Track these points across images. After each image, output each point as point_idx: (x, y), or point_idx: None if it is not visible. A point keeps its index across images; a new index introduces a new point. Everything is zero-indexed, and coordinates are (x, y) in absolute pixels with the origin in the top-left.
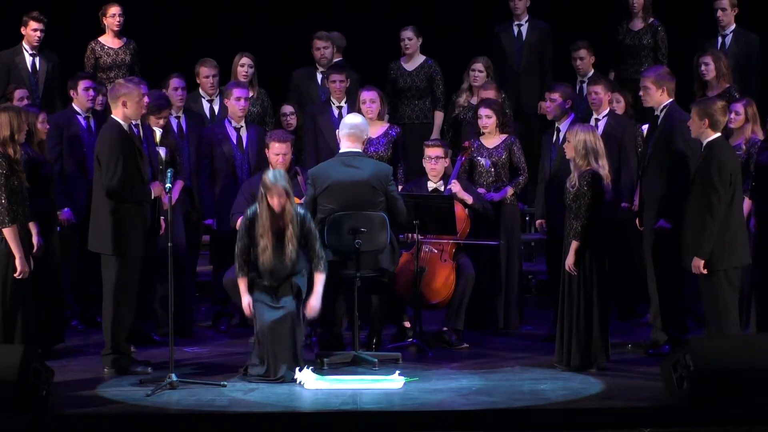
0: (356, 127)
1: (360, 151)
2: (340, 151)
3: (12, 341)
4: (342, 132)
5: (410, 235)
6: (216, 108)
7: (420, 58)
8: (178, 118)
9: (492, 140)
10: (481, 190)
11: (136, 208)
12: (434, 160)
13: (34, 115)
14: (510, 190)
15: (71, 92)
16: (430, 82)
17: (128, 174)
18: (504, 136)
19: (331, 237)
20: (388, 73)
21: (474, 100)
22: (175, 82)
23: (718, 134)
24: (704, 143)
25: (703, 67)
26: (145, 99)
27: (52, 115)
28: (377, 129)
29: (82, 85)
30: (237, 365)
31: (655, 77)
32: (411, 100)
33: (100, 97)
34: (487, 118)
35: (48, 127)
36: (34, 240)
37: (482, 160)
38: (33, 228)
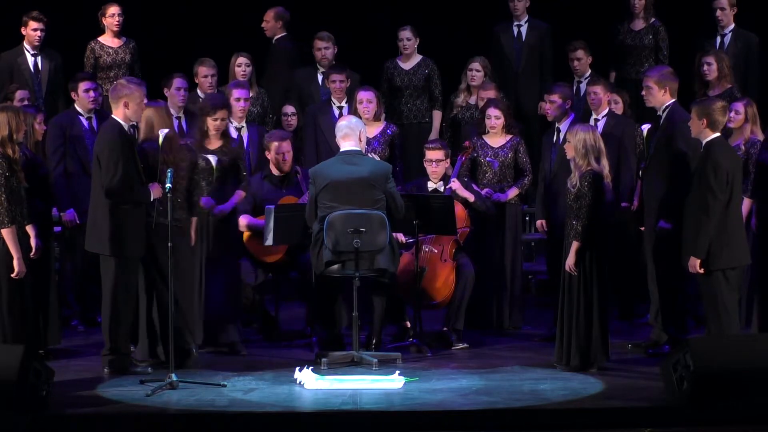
0: (350, 126)
1: (359, 149)
2: (340, 150)
3: (12, 341)
4: (338, 134)
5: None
6: None
7: (417, 58)
8: (179, 118)
9: (497, 140)
10: (486, 191)
11: (136, 208)
12: (435, 163)
13: (32, 116)
14: (516, 191)
15: (72, 94)
16: (427, 82)
17: (128, 175)
18: (509, 137)
19: (329, 236)
20: (384, 72)
21: (472, 100)
22: (177, 82)
23: (717, 134)
24: (703, 143)
25: (705, 67)
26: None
27: (55, 117)
28: (374, 129)
29: (82, 86)
30: (237, 365)
31: (658, 77)
32: (408, 100)
33: (99, 97)
34: (496, 119)
35: (45, 128)
36: (33, 242)
37: (489, 160)
38: (31, 230)
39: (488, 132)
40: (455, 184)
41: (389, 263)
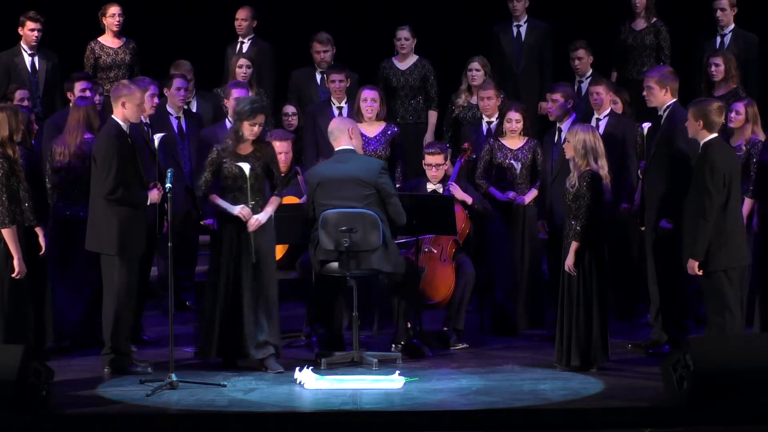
0: (338, 128)
1: (352, 147)
2: (335, 150)
3: (12, 341)
4: (330, 138)
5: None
6: (194, 109)
7: (413, 58)
8: (178, 118)
9: (516, 142)
10: (510, 193)
11: (135, 207)
12: (435, 167)
13: (25, 116)
14: (535, 192)
15: (68, 94)
16: (423, 82)
17: (125, 176)
18: (526, 139)
19: (323, 235)
20: (380, 72)
21: (473, 100)
22: (177, 82)
23: (715, 135)
24: (701, 144)
25: (713, 68)
26: (156, 99)
27: (51, 116)
28: (375, 128)
29: (78, 86)
30: (236, 365)
31: (658, 77)
32: (404, 100)
33: (97, 97)
34: (517, 122)
35: (37, 127)
36: (42, 242)
37: (511, 162)
38: (39, 231)
39: (506, 134)
40: (453, 188)
41: (382, 263)
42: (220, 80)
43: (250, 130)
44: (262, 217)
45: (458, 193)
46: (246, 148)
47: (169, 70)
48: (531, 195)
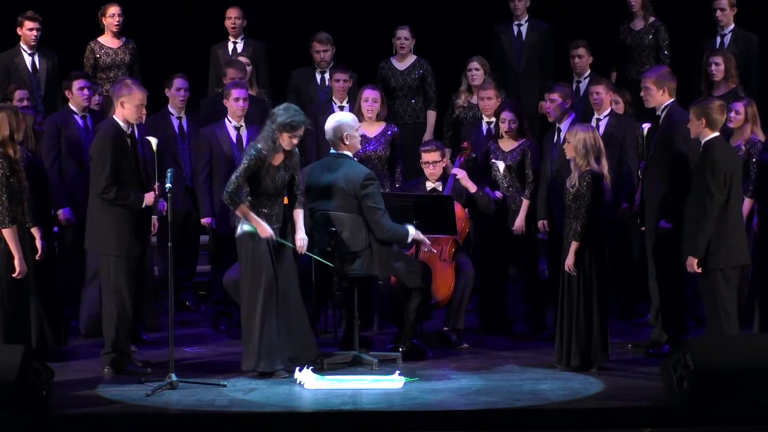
0: (332, 130)
1: (343, 152)
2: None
3: (12, 341)
4: (326, 137)
5: None
6: None
7: (412, 58)
8: (179, 118)
9: (510, 144)
10: (498, 193)
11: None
12: (432, 164)
13: (31, 117)
14: (526, 203)
15: (66, 92)
16: (422, 82)
17: (118, 175)
18: (522, 140)
19: (316, 236)
20: (379, 72)
21: (473, 100)
22: (178, 82)
23: (716, 134)
24: (702, 143)
25: (713, 67)
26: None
27: (50, 116)
28: (376, 128)
29: (76, 85)
30: (237, 365)
31: (656, 77)
32: (403, 100)
33: (96, 97)
34: (512, 123)
35: (43, 129)
36: (38, 244)
37: (493, 161)
38: (36, 232)
39: (503, 137)
40: (460, 173)
41: (369, 266)
42: (207, 82)
43: (289, 141)
44: (304, 235)
45: (464, 179)
46: (278, 158)
47: (169, 72)
48: (524, 208)
